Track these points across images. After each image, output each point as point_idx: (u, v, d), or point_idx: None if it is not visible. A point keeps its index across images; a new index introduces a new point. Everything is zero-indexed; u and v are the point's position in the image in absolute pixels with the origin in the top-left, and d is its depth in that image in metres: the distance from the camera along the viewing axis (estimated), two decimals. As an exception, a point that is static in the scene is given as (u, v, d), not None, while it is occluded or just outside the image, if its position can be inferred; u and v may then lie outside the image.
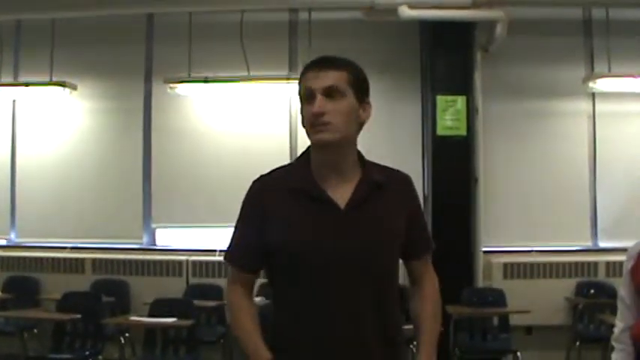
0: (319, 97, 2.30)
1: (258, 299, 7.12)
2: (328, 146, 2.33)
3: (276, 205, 2.35)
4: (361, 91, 2.38)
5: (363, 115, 2.39)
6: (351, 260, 2.31)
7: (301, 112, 2.38)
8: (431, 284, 2.53)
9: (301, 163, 2.42)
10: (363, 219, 2.34)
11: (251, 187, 2.43)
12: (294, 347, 2.34)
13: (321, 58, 2.39)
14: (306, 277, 2.32)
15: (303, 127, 2.38)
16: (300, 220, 2.33)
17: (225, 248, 2.48)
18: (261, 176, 2.45)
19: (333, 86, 2.31)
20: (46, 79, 8.04)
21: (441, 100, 7.57)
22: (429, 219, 7.45)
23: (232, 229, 2.47)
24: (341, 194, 2.35)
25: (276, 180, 2.42)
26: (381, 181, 2.39)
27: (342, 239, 2.31)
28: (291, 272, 2.35)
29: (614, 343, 3.16)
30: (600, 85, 7.57)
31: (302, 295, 2.34)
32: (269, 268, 2.42)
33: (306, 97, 2.33)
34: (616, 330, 3.17)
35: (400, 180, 2.48)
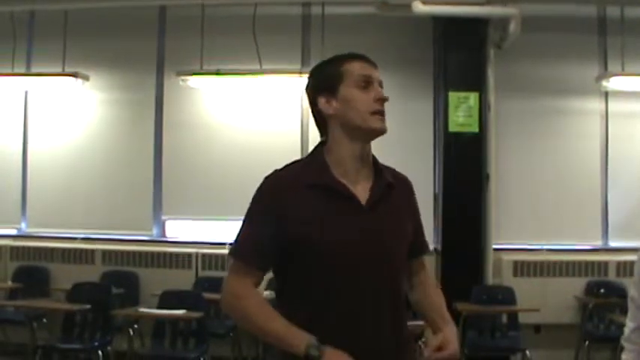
0: (377, 86, 2.35)
1: (267, 293, 7.13)
2: (378, 136, 2.35)
3: (297, 201, 2.27)
4: None
5: None
6: (375, 259, 2.28)
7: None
8: (428, 278, 2.58)
9: (316, 159, 2.37)
10: (384, 217, 2.33)
11: (265, 183, 2.34)
12: None
13: (363, 55, 2.42)
14: (330, 275, 2.25)
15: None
16: (325, 217, 2.27)
17: (233, 243, 2.36)
18: (276, 172, 2.36)
19: (381, 82, 2.39)
20: (59, 69, 8.04)
21: (453, 96, 7.55)
22: (439, 215, 7.46)
23: (241, 224, 2.35)
24: (360, 191, 2.32)
25: (293, 176, 2.33)
26: (392, 181, 2.39)
27: (366, 236, 2.28)
28: (314, 270, 2.27)
29: (624, 343, 3.15)
30: (613, 83, 7.52)
31: (324, 293, 2.26)
32: (284, 268, 2.33)
33: (363, 83, 2.33)
34: (627, 330, 3.16)
35: (404, 181, 2.49)
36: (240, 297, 2.31)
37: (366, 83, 2.33)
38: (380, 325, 2.29)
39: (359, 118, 2.31)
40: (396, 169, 2.50)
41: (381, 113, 2.32)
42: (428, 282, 2.57)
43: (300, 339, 2.18)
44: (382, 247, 2.30)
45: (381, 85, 2.36)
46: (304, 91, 2.46)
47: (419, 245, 2.52)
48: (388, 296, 2.32)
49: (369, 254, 2.27)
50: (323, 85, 2.36)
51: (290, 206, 2.27)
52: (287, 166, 2.40)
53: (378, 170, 2.39)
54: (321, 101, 2.35)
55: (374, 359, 2.26)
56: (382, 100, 2.32)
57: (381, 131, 2.33)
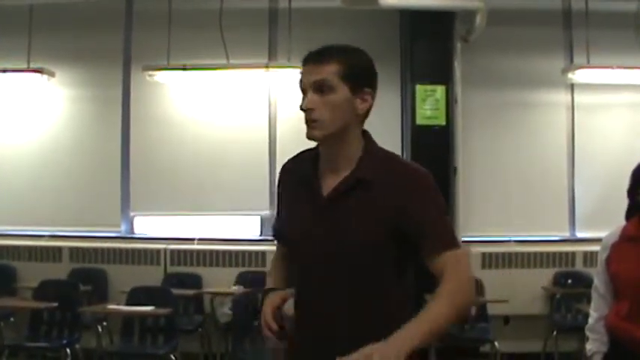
0: (309, 94, 2.27)
1: (235, 288, 7.13)
2: (320, 142, 2.33)
3: (286, 191, 2.46)
4: (358, 81, 2.32)
5: (360, 106, 2.34)
6: (328, 254, 2.28)
7: None
8: (448, 282, 2.21)
9: (316, 148, 2.41)
10: (342, 212, 2.27)
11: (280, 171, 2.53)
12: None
13: (317, 50, 2.32)
14: (295, 263, 2.43)
15: None
16: (295, 209, 2.39)
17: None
18: (288, 160, 2.50)
19: (323, 80, 2.25)
20: (24, 65, 7.93)
21: (420, 89, 7.58)
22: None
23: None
24: (330, 184, 2.32)
25: (294, 166, 2.45)
26: (368, 177, 2.28)
27: (319, 230, 2.28)
28: (291, 258, 2.47)
29: (588, 333, 3.18)
30: (579, 76, 7.60)
31: (296, 280, 2.42)
32: None
33: (302, 90, 2.32)
34: (591, 320, 3.19)
35: (405, 175, 2.32)
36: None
37: (302, 91, 2.31)
38: (335, 320, 2.28)
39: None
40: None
41: (308, 122, 2.28)
42: (437, 293, 2.21)
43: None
44: (335, 243, 2.27)
45: (318, 85, 2.26)
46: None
47: (425, 242, 2.25)
48: (345, 293, 2.28)
49: (322, 248, 2.29)
50: None
51: (283, 195, 2.48)
52: (301, 152, 2.48)
53: (358, 165, 2.32)
54: None
55: (326, 350, 2.15)
56: (304, 111, 2.28)
57: (309, 139, 2.32)
